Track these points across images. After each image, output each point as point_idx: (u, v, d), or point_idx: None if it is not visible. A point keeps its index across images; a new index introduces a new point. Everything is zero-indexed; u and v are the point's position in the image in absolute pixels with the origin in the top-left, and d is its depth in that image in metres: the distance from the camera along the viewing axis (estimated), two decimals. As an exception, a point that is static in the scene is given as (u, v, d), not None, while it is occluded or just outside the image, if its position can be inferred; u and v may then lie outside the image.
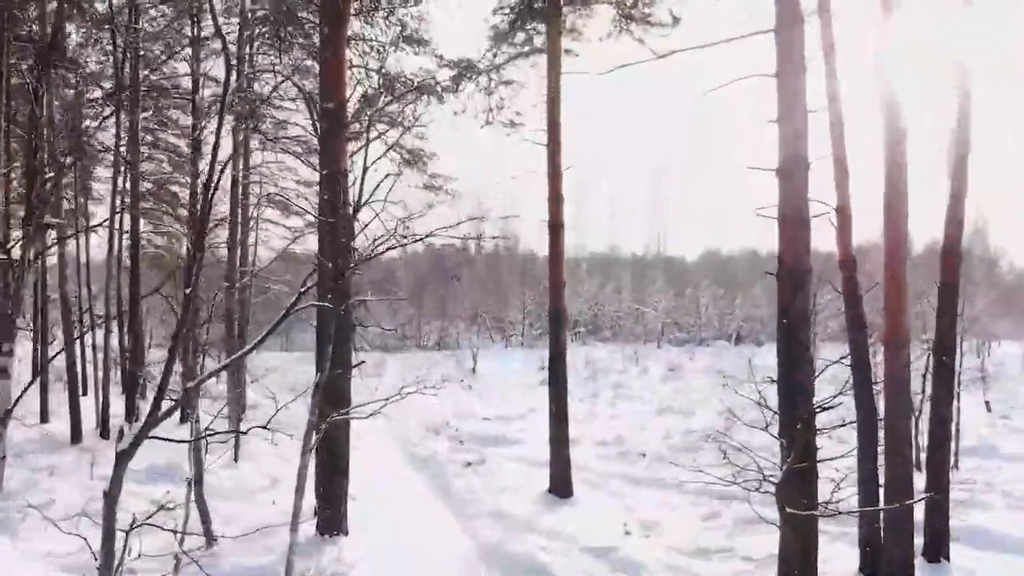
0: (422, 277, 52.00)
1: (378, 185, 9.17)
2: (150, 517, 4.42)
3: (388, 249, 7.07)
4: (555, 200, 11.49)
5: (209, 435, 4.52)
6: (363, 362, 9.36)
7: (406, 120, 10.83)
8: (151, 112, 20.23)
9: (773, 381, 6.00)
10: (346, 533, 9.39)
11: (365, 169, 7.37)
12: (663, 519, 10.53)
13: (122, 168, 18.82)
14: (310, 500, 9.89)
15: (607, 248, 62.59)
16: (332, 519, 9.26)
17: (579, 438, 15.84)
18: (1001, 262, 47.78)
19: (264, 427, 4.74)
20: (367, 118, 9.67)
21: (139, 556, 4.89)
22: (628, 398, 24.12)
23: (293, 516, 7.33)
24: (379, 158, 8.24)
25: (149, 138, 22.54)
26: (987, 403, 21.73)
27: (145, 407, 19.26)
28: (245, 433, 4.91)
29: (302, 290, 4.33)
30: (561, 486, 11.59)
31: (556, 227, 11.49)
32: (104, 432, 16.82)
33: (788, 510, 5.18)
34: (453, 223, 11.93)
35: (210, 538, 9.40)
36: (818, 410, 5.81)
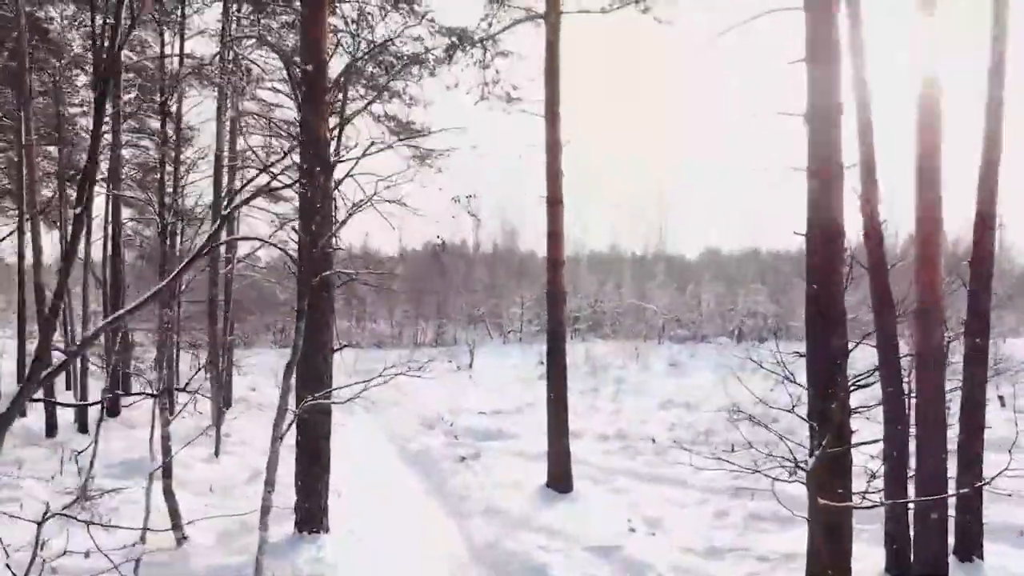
0: (420, 275, 51.44)
1: (363, 154, 8.50)
2: (67, 508, 3.68)
3: (361, 207, 6.32)
4: (553, 175, 10.76)
5: (122, 395, 3.78)
6: (346, 345, 8.63)
7: (391, 87, 10.10)
8: (134, 95, 19.51)
9: (801, 355, 5.28)
10: (327, 531, 8.65)
11: (342, 126, 6.65)
12: (669, 516, 9.80)
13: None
14: (291, 496, 9.20)
15: (607, 248, 62.08)
16: (311, 515, 8.52)
17: (580, 432, 15.15)
18: (1003, 259, 47.08)
19: (182, 389, 4.03)
20: (342, 78, 8.92)
21: (64, 552, 4.17)
22: (630, 393, 23.38)
23: (261, 512, 6.61)
24: (356, 114, 7.51)
25: (133, 123, 21.89)
26: (1000, 398, 20.98)
27: (128, 400, 18.21)
28: (181, 389, 4.14)
29: (225, 213, 3.58)
30: (560, 480, 10.86)
31: (555, 203, 10.76)
32: (82, 426, 16.15)
33: (821, 501, 4.45)
34: (446, 211, 11.26)
35: (180, 536, 8.67)
36: (853, 387, 5.09)
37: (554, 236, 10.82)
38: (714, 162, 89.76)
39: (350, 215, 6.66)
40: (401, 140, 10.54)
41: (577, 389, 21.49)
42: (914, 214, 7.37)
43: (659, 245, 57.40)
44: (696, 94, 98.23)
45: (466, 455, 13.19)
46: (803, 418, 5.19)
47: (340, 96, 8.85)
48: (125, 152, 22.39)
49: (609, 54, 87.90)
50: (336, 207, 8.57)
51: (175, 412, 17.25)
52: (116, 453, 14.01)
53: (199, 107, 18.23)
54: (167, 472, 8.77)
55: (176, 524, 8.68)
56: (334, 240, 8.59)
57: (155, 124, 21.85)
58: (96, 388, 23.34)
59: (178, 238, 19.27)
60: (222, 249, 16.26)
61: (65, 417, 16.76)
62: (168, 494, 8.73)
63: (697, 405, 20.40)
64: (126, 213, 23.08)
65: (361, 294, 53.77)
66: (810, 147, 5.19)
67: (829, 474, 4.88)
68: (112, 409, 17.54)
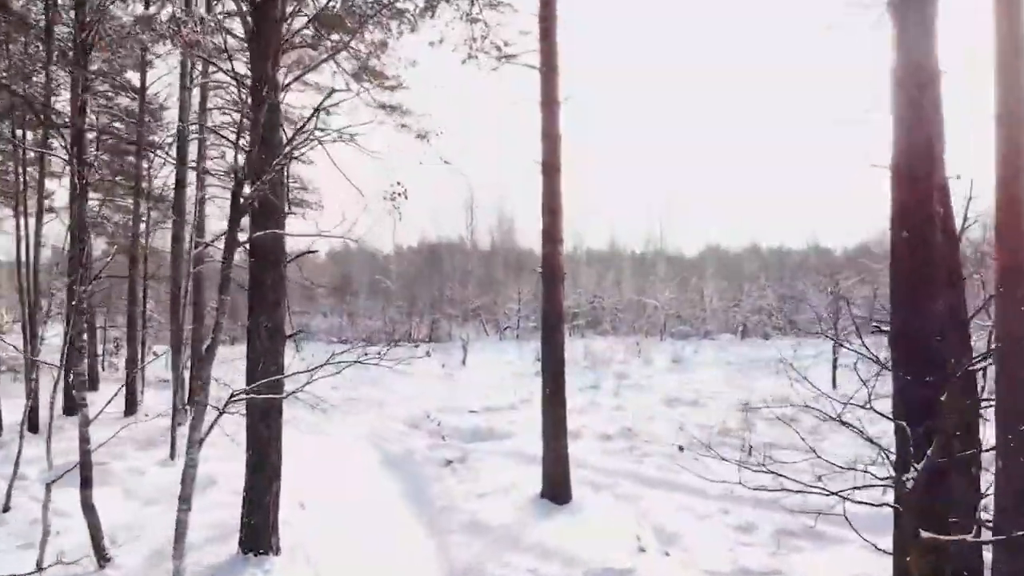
0: (415, 272, 50.01)
1: (321, 104, 7.11)
2: None
3: (305, 143, 4.92)
4: (551, 137, 9.33)
5: None
6: (300, 332, 7.20)
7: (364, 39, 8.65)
8: (99, 67, 18.05)
9: (883, 331, 3.89)
10: (276, 551, 7.23)
11: (274, 61, 5.22)
12: (686, 531, 8.38)
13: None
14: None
15: (606, 245, 60.83)
16: (257, 533, 7.10)
17: (579, 431, 13.74)
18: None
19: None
20: (295, 17, 7.48)
21: None
22: (632, 389, 21.96)
23: (176, 537, 5.19)
24: (318, 62, 6.07)
25: (103, 102, 20.41)
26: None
27: (93, 398, 16.88)
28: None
29: None
30: (557, 488, 9.44)
31: (552, 170, 9.33)
32: (33, 426, 14.73)
33: (926, 535, 3.05)
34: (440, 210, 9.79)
35: (101, 558, 7.25)
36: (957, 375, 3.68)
37: (551, 208, 9.38)
38: (714, 160, 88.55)
39: (289, 149, 5.25)
40: (357, 77, 8.95)
41: (576, 385, 20.08)
42: (994, 167, 5.96)
43: (659, 243, 56.03)
44: (697, 87, 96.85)
45: (452, 458, 11.78)
46: (887, 416, 3.78)
47: (288, 31, 7.41)
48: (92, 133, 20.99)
49: (610, 47, 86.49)
50: (290, 168, 7.17)
51: (136, 411, 15.85)
52: (67, 454, 12.61)
53: (168, 77, 16.64)
54: (86, 482, 7.35)
55: (97, 543, 7.26)
56: (286, 205, 7.17)
57: (125, 102, 20.38)
58: (49, 387, 21.85)
59: (144, 221, 17.89)
60: (186, 233, 14.84)
61: (15, 416, 15.36)
62: (87, 507, 7.31)
63: (705, 403, 19.03)
64: (95, 196, 21.65)
65: (355, 290, 52.45)
66: (899, 46, 3.79)
67: (932, 492, 3.47)
68: (70, 407, 16.13)
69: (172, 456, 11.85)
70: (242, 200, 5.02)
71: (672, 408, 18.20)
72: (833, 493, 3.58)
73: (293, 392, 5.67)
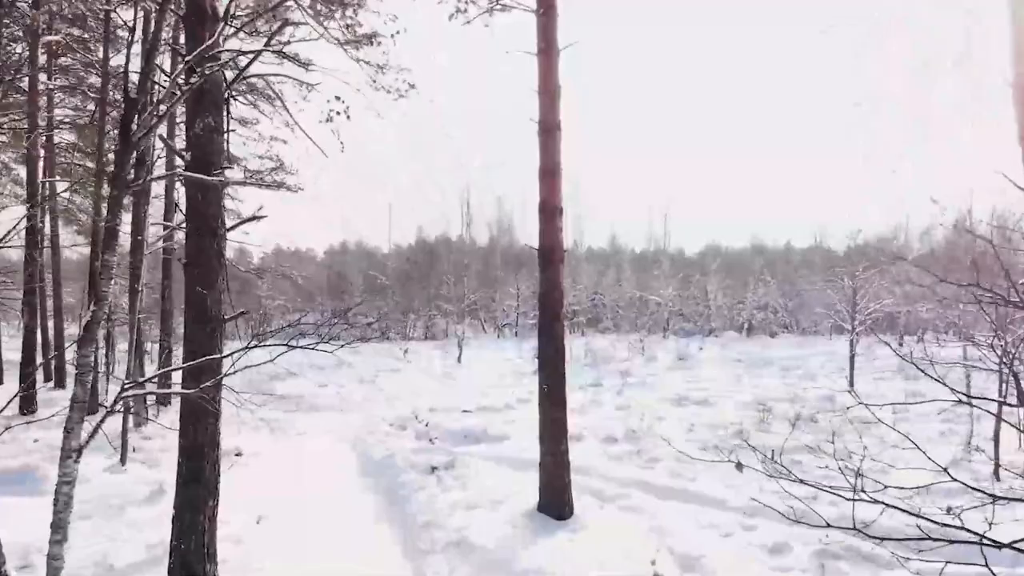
0: (411, 269, 48.76)
1: (273, 35, 5.91)
2: None
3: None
4: (549, 89, 8.01)
5: None
6: (245, 312, 5.91)
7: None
8: (62, 35, 16.77)
9: (999, 300, 2.61)
10: (213, 582, 5.92)
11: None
12: (708, 552, 7.07)
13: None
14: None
15: (607, 243, 59.64)
16: (190, 560, 5.78)
17: (580, 433, 12.49)
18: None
19: None
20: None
21: None
22: (637, 386, 20.66)
23: (49, 568, 3.90)
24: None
25: (73, 81, 19.10)
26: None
27: (56, 396, 15.36)
28: None
29: None
30: (556, 501, 8.13)
31: (550, 129, 8.01)
32: (-18, 428, 13.41)
33: None
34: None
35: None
36: None
37: (549, 171, 8.06)
38: (714, 158, 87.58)
39: (194, 56, 3.96)
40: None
41: (577, 384, 18.85)
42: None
43: (661, 242, 54.75)
44: (696, 83, 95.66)
45: (439, 464, 10.48)
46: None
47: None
48: (58, 112, 19.72)
49: (609, 39, 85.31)
50: (230, 111, 5.90)
51: (98, 410, 14.51)
52: (15, 457, 11.35)
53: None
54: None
55: (-3, 571, 5.96)
56: (223, 157, 5.87)
57: (93, 79, 19.02)
58: (10, 379, 20.55)
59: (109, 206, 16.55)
60: (148, 218, 13.50)
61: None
62: (-16, 528, 5.99)
63: (715, 402, 17.73)
64: (63, 180, 20.34)
65: (349, 289, 51.18)
66: None
67: None
68: (28, 406, 14.84)
69: (123, 462, 10.54)
70: (133, 129, 3.74)
71: (681, 407, 16.93)
72: (994, 545, 2.29)
73: (209, 383, 4.38)
